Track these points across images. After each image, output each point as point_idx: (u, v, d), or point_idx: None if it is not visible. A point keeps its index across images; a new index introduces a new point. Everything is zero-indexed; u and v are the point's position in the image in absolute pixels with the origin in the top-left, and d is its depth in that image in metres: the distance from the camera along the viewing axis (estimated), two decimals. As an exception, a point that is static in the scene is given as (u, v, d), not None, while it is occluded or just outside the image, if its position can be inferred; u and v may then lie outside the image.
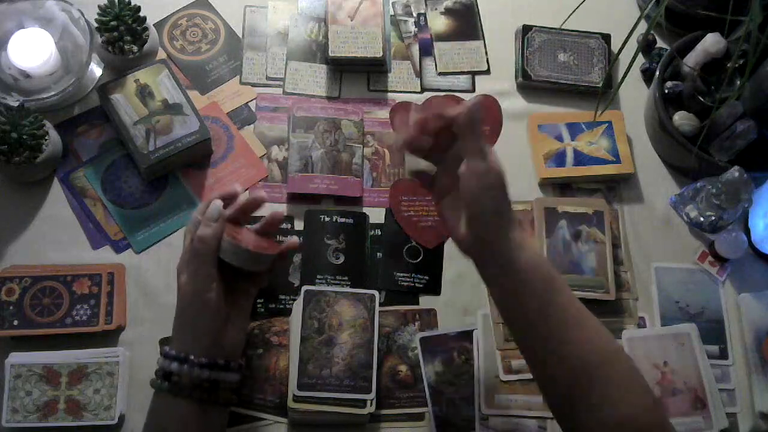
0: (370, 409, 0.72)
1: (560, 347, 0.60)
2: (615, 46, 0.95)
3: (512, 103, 0.93)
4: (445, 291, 0.83)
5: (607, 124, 0.91)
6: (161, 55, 0.90)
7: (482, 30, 0.97)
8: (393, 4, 0.97)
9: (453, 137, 0.63)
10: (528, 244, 0.62)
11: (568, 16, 0.80)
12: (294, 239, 0.72)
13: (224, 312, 0.64)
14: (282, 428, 0.75)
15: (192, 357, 0.62)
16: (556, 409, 0.62)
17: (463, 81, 0.94)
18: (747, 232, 0.87)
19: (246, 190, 0.85)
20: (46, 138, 0.80)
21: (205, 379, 0.62)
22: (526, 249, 0.61)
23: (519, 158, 0.90)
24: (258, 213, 0.73)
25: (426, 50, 0.95)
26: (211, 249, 0.64)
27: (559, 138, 0.90)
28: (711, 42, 0.86)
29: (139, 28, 0.85)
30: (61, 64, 0.85)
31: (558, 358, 0.60)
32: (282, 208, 0.85)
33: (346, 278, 0.81)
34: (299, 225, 0.84)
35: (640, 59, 0.96)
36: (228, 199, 0.68)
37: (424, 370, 0.78)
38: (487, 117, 0.92)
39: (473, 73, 0.95)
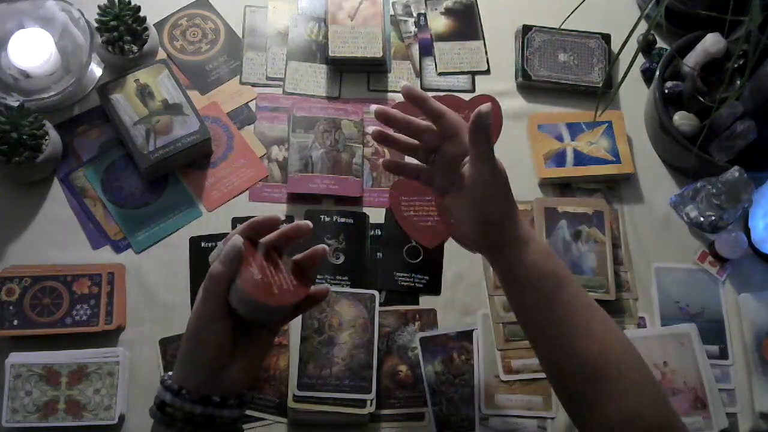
0: (370, 409, 0.72)
1: (566, 343, 0.60)
2: (615, 46, 0.95)
3: (512, 103, 0.93)
4: (445, 291, 0.83)
5: (607, 124, 0.91)
6: (161, 55, 0.90)
7: (482, 30, 0.97)
8: (393, 4, 0.97)
9: (438, 138, 0.66)
10: (533, 242, 0.62)
11: (567, 16, 0.80)
12: (325, 286, 0.65)
13: (227, 351, 0.60)
14: (282, 428, 0.75)
15: (184, 391, 0.60)
16: (566, 402, 0.63)
17: (463, 81, 0.94)
18: (747, 232, 0.87)
19: (246, 190, 0.85)
20: (46, 138, 0.80)
21: (198, 414, 0.60)
22: (532, 247, 0.62)
23: (519, 158, 0.90)
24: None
25: (426, 50, 0.95)
26: (220, 289, 0.59)
27: (559, 138, 0.90)
28: (711, 42, 0.86)
29: (139, 28, 0.85)
30: (61, 64, 0.85)
31: (564, 353, 0.60)
32: (282, 208, 0.85)
33: (346, 278, 0.81)
34: (299, 225, 0.84)
35: (640, 59, 0.96)
36: (267, 228, 0.63)
37: (424, 370, 0.78)
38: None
39: (473, 73, 0.95)
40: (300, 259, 0.65)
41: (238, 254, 0.59)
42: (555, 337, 0.61)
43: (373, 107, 0.69)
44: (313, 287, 0.64)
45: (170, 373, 0.63)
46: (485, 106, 0.60)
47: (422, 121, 0.68)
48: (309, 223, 0.64)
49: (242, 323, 0.62)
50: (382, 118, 0.68)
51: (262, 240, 0.62)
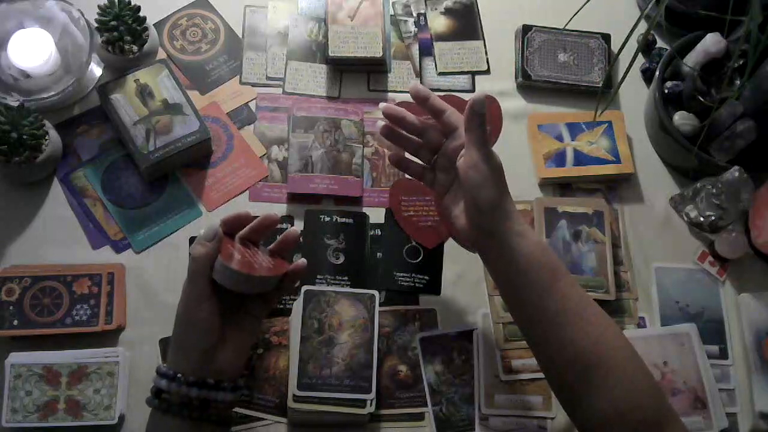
0: (370, 409, 0.72)
1: (560, 334, 0.60)
2: (615, 46, 0.95)
3: (512, 103, 0.93)
4: (445, 291, 0.83)
5: (607, 124, 0.91)
6: (161, 55, 0.90)
7: (482, 30, 0.97)
8: (393, 4, 0.97)
9: (440, 135, 0.70)
10: (529, 234, 0.63)
11: (571, 18, 0.80)
12: (302, 261, 0.68)
13: (217, 332, 0.62)
14: (282, 428, 0.75)
15: (180, 375, 0.61)
16: (558, 394, 0.63)
17: (463, 81, 0.94)
18: (747, 232, 0.87)
19: (246, 190, 0.85)
20: (46, 138, 0.80)
21: (194, 397, 0.60)
22: (527, 238, 0.62)
23: (519, 158, 0.90)
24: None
25: (426, 50, 0.95)
26: (202, 268, 0.61)
27: (559, 138, 0.90)
28: (711, 42, 0.86)
29: (139, 28, 0.85)
30: (61, 64, 0.85)
31: (557, 345, 0.60)
32: (282, 208, 0.85)
33: (346, 278, 0.81)
34: (299, 225, 0.84)
35: (640, 59, 0.96)
36: (242, 222, 0.66)
37: (424, 370, 0.78)
38: (487, 117, 0.92)
39: (473, 73, 0.95)
40: (274, 247, 0.69)
41: (216, 233, 0.63)
42: (549, 328, 0.61)
43: (381, 105, 0.71)
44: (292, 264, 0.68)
45: (161, 364, 0.63)
46: (479, 94, 0.62)
47: (425, 120, 0.71)
48: (276, 214, 0.67)
49: (229, 307, 0.64)
50: (388, 115, 0.71)
51: (237, 234, 0.66)
